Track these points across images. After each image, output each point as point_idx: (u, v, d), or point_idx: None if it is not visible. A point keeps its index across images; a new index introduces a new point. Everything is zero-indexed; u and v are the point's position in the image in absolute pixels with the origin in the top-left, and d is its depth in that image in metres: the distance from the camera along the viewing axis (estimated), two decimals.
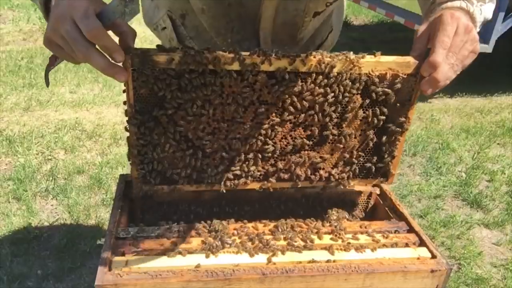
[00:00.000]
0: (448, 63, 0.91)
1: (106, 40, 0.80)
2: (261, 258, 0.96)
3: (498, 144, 3.80)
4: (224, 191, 1.06)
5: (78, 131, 3.47)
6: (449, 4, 0.97)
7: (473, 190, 3.12)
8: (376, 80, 1.00)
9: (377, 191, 1.26)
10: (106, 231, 1.00)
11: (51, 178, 2.90)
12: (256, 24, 1.13)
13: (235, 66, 0.92)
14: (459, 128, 3.98)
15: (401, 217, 1.15)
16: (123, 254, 0.95)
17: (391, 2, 5.40)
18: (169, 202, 1.19)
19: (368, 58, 0.99)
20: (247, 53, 0.92)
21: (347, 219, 1.15)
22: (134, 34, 0.86)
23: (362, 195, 1.27)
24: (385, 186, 1.26)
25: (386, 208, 1.21)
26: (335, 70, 0.97)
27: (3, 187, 2.79)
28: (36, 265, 2.26)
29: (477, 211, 2.96)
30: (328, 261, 0.96)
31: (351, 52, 0.98)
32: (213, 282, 0.89)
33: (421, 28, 0.96)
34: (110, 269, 0.90)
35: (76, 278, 2.21)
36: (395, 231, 1.09)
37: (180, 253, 0.95)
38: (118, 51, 0.82)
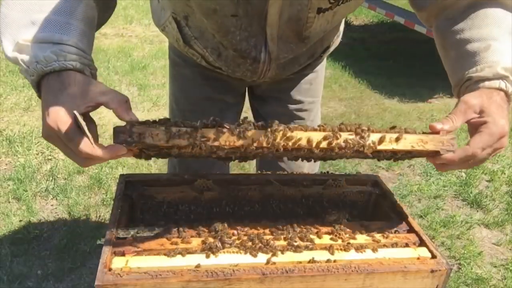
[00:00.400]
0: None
1: (99, 159, 0.82)
2: (261, 258, 0.96)
3: None
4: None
5: None
6: (487, 84, 0.98)
7: (473, 190, 3.12)
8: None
9: (377, 191, 1.27)
10: (106, 231, 1.00)
11: (51, 178, 2.90)
12: (262, 21, 1.14)
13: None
14: (459, 128, 3.98)
15: (401, 217, 1.15)
16: (123, 254, 0.95)
17: (391, 2, 5.40)
18: (169, 202, 1.19)
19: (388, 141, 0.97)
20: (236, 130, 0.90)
21: (347, 219, 1.15)
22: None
23: (362, 195, 1.27)
24: (385, 186, 1.27)
25: (386, 208, 1.21)
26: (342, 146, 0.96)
27: (3, 187, 2.79)
28: (36, 265, 2.26)
29: (477, 211, 2.96)
30: (328, 261, 0.96)
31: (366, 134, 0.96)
32: (213, 282, 0.89)
33: (458, 110, 0.97)
34: (110, 269, 0.90)
35: (76, 278, 2.21)
36: (395, 231, 1.09)
37: (180, 253, 0.95)
38: (115, 155, 0.83)
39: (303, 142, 0.94)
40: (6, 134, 3.32)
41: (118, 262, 0.92)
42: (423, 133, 1.01)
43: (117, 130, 0.86)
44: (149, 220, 1.17)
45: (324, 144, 0.95)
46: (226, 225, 1.05)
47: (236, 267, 0.91)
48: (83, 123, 0.78)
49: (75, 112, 0.78)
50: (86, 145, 0.81)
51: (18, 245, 2.37)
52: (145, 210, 1.18)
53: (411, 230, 1.10)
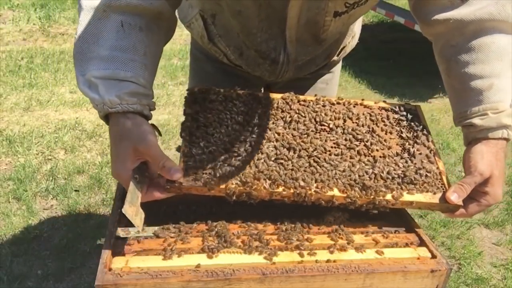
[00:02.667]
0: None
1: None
2: (261, 258, 0.96)
3: None
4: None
5: (78, 131, 3.46)
6: (490, 135, 1.06)
7: None
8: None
9: None
10: (106, 231, 1.00)
11: (51, 178, 2.90)
12: (282, 24, 1.17)
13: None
14: (459, 128, 3.98)
15: (401, 217, 1.15)
16: (123, 254, 0.95)
17: (391, 2, 5.40)
18: (169, 202, 1.19)
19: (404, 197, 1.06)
20: None
21: (347, 219, 1.14)
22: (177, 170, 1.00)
23: None
24: None
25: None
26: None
27: (3, 187, 2.79)
28: (36, 265, 2.26)
29: None
30: (328, 261, 0.96)
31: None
32: (213, 282, 0.89)
33: (473, 181, 1.05)
34: (110, 269, 0.90)
35: (76, 278, 2.21)
36: (395, 231, 1.09)
37: (180, 253, 0.95)
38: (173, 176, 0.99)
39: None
40: (6, 134, 3.32)
41: (118, 262, 0.92)
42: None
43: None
44: (149, 220, 1.17)
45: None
46: (226, 225, 1.05)
47: (236, 267, 0.91)
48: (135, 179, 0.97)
49: (132, 178, 0.96)
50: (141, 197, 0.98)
51: (18, 245, 2.37)
52: (145, 210, 1.18)
53: (411, 230, 1.10)
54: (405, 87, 4.70)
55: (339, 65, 1.62)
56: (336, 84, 1.64)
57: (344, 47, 1.46)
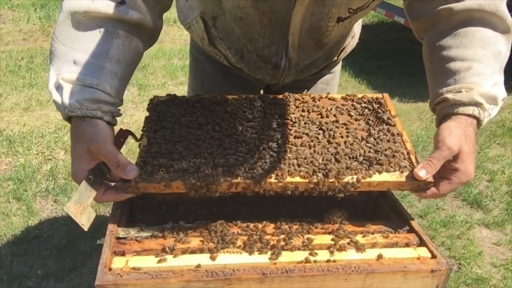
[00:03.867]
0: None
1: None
2: (261, 258, 0.96)
3: (498, 144, 3.80)
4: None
5: None
6: (461, 109, 1.03)
7: (473, 190, 3.12)
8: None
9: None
10: (106, 231, 1.00)
11: (51, 178, 2.90)
12: (284, 30, 1.18)
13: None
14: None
15: (401, 217, 1.15)
16: (123, 254, 0.95)
17: (391, 2, 5.40)
18: (169, 202, 1.19)
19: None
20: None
21: (347, 219, 1.14)
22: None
23: (362, 195, 1.27)
24: None
25: (386, 208, 1.21)
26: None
27: (3, 187, 2.79)
28: (36, 265, 2.26)
29: (477, 211, 2.96)
30: (328, 261, 0.96)
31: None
32: (213, 282, 0.89)
33: (442, 156, 1.02)
34: (110, 269, 0.90)
35: (76, 278, 2.21)
36: (395, 231, 1.09)
37: (180, 253, 0.95)
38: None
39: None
40: (6, 134, 3.32)
41: (118, 262, 0.92)
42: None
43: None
44: (149, 220, 1.17)
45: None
46: (226, 225, 1.05)
47: (236, 267, 0.91)
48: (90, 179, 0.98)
49: (85, 177, 0.98)
50: (96, 196, 1.01)
51: (18, 245, 2.37)
52: (145, 210, 1.18)
53: (411, 230, 1.10)
54: (405, 87, 4.70)
55: (340, 65, 1.62)
56: (336, 84, 1.65)
57: (344, 47, 1.47)
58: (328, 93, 1.29)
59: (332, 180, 1.04)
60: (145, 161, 1.04)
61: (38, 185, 2.83)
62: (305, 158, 1.07)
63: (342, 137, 1.14)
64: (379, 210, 1.25)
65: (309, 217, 1.12)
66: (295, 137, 1.13)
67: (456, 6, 1.06)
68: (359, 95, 1.28)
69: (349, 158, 1.08)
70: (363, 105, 1.25)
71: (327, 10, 1.12)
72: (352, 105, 1.25)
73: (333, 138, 1.13)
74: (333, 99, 1.26)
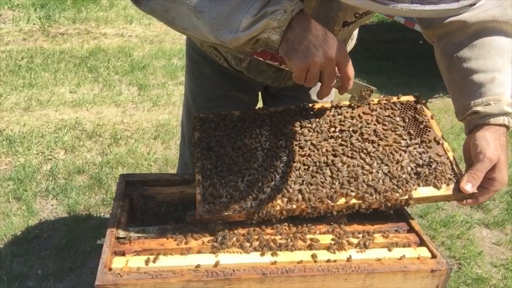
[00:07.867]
0: None
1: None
2: (261, 258, 0.96)
3: None
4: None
5: (78, 131, 3.46)
6: (492, 120, 1.09)
7: None
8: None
9: None
10: (106, 231, 1.00)
11: (51, 178, 2.90)
12: None
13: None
14: (459, 128, 3.98)
15: (401, 217, 1.15)
16: (123, 254, 0.95)
17: None
18: (169, 202, 1.19)
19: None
20: None
21: (347, 219, 1.14)
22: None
23: None
24: None
25: None
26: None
27: (3, 187, 2.79)
28: (36, 265, 2.26)
29: (477, 211, 2.96)
30: (328, 261, 0.96)
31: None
32: (213, 282, 0.89)
33: (485, 167, 1.07)
34: (110, 269, 0.90)
35: (76, 278, 2.21)
36: (395, 231, 1.09)
37: (180, 253, 0.95)
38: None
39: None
40: (6, 134, 3.32)
41: (118, 262, 0.92)
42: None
43: None
44: (149, 220, 1.17)
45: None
46: (226, 225, 1.05)
47: (236, 267, 0.91)
48: None
49: None
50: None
51: (18, 245, 2.37)
52: (145, 210, 1.18)
53: (411, 230, 1.10)
54: (405, 87, 4.69)
55: None
56: None
57: None
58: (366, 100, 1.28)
59: (383, 200, 1.06)
60: (204, 196, 1.08)
61: (38, 185, 2.83)
62: (356, 178, 1.08)
63: (384, 149, 1.15)
64: (379, 210, 1.25)
65: (309, 218, 1.12)
66: (347, 156, 1.14)
67: (470, 18, 1.10)
68: (394, 98, 1.28)
69: (397, 176, 1.09)
70: (401, 111, 1.24)
71: (334, 14, 1.12)
72: (392, 113, 1.24)
73: (376, 151, 1.14)
74: (370, 108, 1.26)
